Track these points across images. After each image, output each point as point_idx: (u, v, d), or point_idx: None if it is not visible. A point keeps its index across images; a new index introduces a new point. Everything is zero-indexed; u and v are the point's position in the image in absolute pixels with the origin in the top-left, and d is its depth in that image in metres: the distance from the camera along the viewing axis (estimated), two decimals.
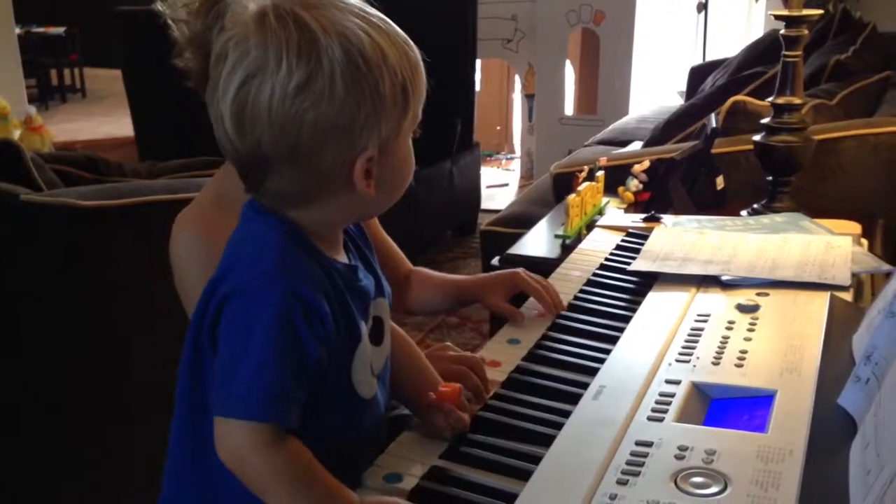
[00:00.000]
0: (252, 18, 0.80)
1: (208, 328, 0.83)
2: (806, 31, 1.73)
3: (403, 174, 0.88)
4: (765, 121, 1.80)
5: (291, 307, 0.79)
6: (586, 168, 1.85)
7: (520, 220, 2.59)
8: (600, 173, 1.80)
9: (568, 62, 5.09)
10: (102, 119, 7.00)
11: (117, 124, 6.34)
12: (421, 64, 0.85)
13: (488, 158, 5.72)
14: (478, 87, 4.79)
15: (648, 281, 1.31)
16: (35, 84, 7.33)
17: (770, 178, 1.83)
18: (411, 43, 0.84)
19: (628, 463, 0.82)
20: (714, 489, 0.77)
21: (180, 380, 0.88)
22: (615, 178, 1.89)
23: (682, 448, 0.83)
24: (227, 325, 0.81)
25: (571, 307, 1.25)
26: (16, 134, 4.55)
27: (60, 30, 7.70)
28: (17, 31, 5.23)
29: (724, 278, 1.27)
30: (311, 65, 0.78)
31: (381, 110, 0.80)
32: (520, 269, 1.27)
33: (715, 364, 1.01)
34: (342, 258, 0.90)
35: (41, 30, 7.65)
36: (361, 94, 0.79)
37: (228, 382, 0.79)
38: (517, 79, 5.57)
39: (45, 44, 7.59)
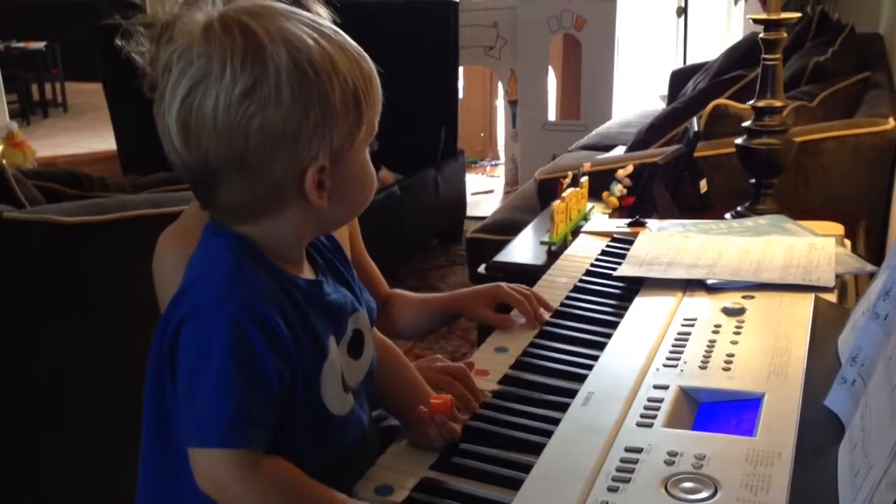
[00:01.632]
0: (198, 28, 0.79)
1: (167, 354, 0.81)
2: (785, 34, 1.75)
3: (360, 187, 0.87)
4: (746, 124, 1.81)
5: (244, 322, 0.77)
6: (570, 174, 1.86)
7: (505, 226, 2.59)
8: (584, 179, 1.81)
9: (550, 68, 5.11)
10: (84, 133, 6.96)
11: (99, 139, 6.31)
12: (375, 76, 0.84)
13: (473, 165, 5.73)
14: (461, 95, 4.80)
15: (634, 286, 1.31)
16: (16, 99, 7.28)
17: (753, 180, 1.84)
18: (364, 54, 0.84)
19: (618, 469, 0.82)
20: (704, 494, 0.77)
21: (145, 410, 0.86)
22: (599, 184, 1.90)
23: (672, 453, 0.83)
24: (184, 348, 0.79)
25: (558, 314, 1.26)
26: None
27: (41, 44, 7.66)
28: None
29: (709, 282, 1.27)
30: (257, 70, 0.77)
31: (331, 119, 0.79)
32: (502, 283, 1.27)
33: (702, 368, 1.01)
34: (306, 274, 0.88)
35: (21, 45, 7.61)
36: (309, 100, 0.78)
37: (190, 410, 0.78)
38: (500, 85, 5.59)
39: (25, 59, 7.55)
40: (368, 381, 0.97)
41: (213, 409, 0.77)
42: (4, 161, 1.73)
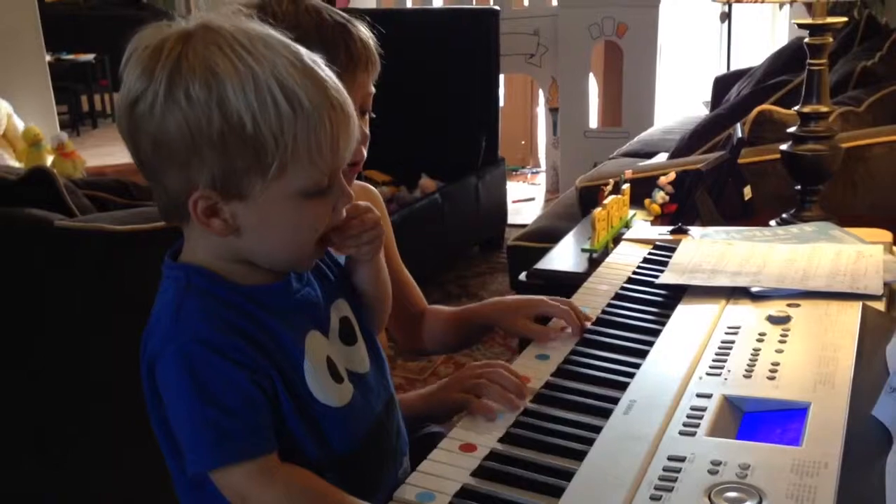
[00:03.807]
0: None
1: (150, 392, 0.86)
2: (830, 39, 1.72)
3: (282, 231, 0.84)
4: (791, 130, 1.79)
5: (194, 351, 0.80)
6: (612, 181, 1.85)
7: (546, 234, 2.59)
8: (626, 186, 1.80)
9: (591, 75, 5.09)
10: None
11: None
12: (308, 127, 0.80)
13: (514, 173, 5.73)
14: (502, 103, 4.81)
15: (677, 294, 1.30)
16: (66, 110, 7.45)
17: (798, 187, 1.81)
18: (300, 100, 0.79)
19: (661, 478, 0.82)
20: None
21: (158, 438, 0.89)
22: (641, 191, 1.88)
23: (716, 463, 0.82)
24: (161, 389, 0.84)
25: (599, 321, 1.25)
26: (48, 160, 4.62)
27: (90, 56, 7.83)
28: (48, 58, 5.32)
29: (753, 290, 1.26)
30: (143, 85, 0.80)
31: (207, 148, 0.79)
32: (544, 297, 1.26)
33: (746, 377, 1.00)
34: (275, 278, 0.89)
35: (71, 57, 7.78)
36: (177, 125, 0.79)
37: (182, 441, 0.82)
38: (541, 93, 5.58)
39: (75, 70, 7.72)
40: (378, 364, 0.98)
41: (193, 437, 0.81)
42: (55, 171, 1.77)
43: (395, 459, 0.98)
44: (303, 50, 0.84)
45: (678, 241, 1.52)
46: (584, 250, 1.71)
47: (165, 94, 0.79)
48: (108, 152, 6.77)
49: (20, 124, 4.76)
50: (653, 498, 0.79)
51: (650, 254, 1.52)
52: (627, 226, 1.78)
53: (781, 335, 1.10)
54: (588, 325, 1.22)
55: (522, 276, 1.73)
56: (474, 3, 5.46)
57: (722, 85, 4.17)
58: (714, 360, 1.05)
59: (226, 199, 0.82)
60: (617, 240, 1.65)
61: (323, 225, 0.87)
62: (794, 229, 1.61)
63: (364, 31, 1.13)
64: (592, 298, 1.33)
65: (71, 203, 1.69)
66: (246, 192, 0.81)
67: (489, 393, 1.02)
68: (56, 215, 1.61)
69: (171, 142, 0.80)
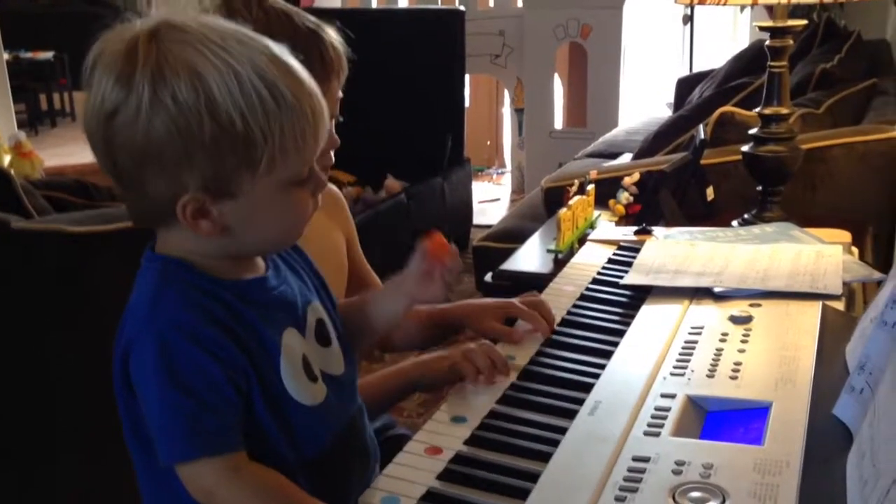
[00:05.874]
0: (123, 40, 0.80)
1: (123, 382, 0.84)
2: (791, 42, 1.75)
3: (272, 224, 0.84)
4: (753, 131, 1.82)
5: (171, 339, 0.79)
6: (577, 182, 1.86)
7: (512, 234, 2.60)
8: (591, 187, 1.81)
9: (556, 76, 5.12)
10: None
11: None
12: (292, 118, 0.80)
13: (479, 173, 5.74)
14: (467, 103, 4.81)
15: (641, 294, 1.31)
16: (24, 109, 7.30)
17: (759, 188, 1.84)
18: (282, 93, 0.79)
19: (626, 479, 0.82)
20: None
21: (126, 436, 0.87)
22: (606, 191, 1.90)
23: (679, 462, 0.83)
24: (134, 378, 0.82)
25: (565, 322, 1.25)
26: (5, 160, 4.53)
27: (49, 54, 7.70)
28: (6, 56, 5.21)
29: (716, 290, 1.27)
30: (123, 94, 0.78)
31: (199, 151, 0.78)
32: (513, 299, 1.26)
33: (710, 377, 1.01)
34: (256, 271, 0.89)
35: (29, 55, 7.64)
36: (166, 130, 0.77)
37: (153, 432, 0.81)
38: (506, 94, 5.60)
39: (33, 68, 7.58)
40: (351, 370, 0.97)
41: (165, 427, 0.80)
42: (13, 171, 1.74)
43: (366, 465, 0.98)
44: (269, 41, 0.83)
45: (642, 242, 1.53)
46: (549, 251, 1.72)
47: (150, 100, 0.77)
48: (67, 152, 6.66)
49: None
50: (617, 499, 0.79)
51: (615, 254, 1.53)
52: (592, 226, 1.79)
53: (743, 335, 1.11)
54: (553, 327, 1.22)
55: (488, 276, 1.73)
56: (440, 3, 5.46)
57: (685, 86, 4.22)
58: (678, 361, 1.06)
59: (215, 199, 0.81)
60: (582, 240, 1.66)
61: (308, 212, 0.87)
62: (755, 230, 1.63)
63: (335, 35, 1.12)
64: (558, 299, 1.33)
65: (28, 204, 1.66)
66: (235, 190, 0.81)
67: (477, 359, 1.06)
68: (13, 217, 1.58)
69: (159, 149, 0.78)
